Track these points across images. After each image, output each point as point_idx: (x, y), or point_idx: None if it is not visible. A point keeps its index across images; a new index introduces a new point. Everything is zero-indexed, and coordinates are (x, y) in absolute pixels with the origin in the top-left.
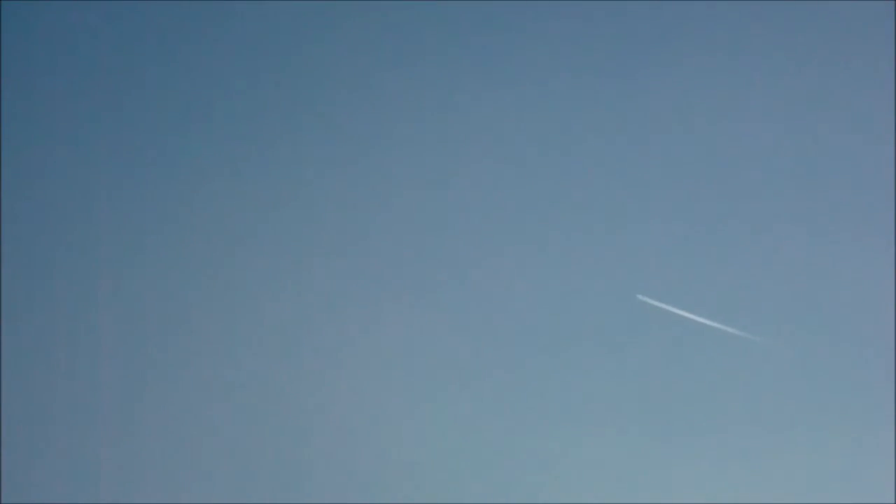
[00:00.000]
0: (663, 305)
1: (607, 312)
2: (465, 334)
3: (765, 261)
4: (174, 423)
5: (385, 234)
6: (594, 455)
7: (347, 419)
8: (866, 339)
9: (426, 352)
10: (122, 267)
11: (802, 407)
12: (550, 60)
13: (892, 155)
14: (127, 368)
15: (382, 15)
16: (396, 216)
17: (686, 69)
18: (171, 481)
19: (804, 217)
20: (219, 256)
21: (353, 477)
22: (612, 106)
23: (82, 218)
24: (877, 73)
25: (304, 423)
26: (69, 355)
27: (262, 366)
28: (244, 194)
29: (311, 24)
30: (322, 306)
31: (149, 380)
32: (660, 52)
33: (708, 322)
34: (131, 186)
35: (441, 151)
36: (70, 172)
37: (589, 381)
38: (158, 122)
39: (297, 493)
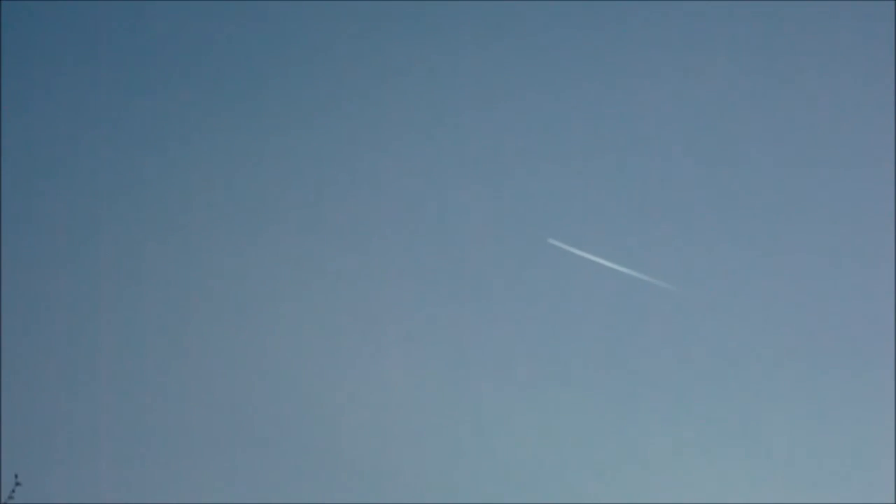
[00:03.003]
0: (573, 249)
1: (519, 256)
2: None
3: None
4: (175, 423)
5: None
6: (500, 395)
7: (346, 417)
8: (776, 292)
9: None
10: (124, 267)
11: (708, 351)
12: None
13: (892, 154)
14: (128, 369)
15: (385, 16)
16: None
17: (684, 68)
18: (172, 481)
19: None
20: (222, 256)
21: (352, 476)
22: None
23: (83, 217)
24: (877, 73)
25: (305, 423)
26: (69, 356)
27: (265, 366)
28: (246, 194)
29: (311, 23)
30: (323, 305)
31: (150, 380)
32: (659, 50)
33: (618, 267)
34: (133, 185)
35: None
36: (70, 172)
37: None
38: (159, 121)
39: (300, 494)
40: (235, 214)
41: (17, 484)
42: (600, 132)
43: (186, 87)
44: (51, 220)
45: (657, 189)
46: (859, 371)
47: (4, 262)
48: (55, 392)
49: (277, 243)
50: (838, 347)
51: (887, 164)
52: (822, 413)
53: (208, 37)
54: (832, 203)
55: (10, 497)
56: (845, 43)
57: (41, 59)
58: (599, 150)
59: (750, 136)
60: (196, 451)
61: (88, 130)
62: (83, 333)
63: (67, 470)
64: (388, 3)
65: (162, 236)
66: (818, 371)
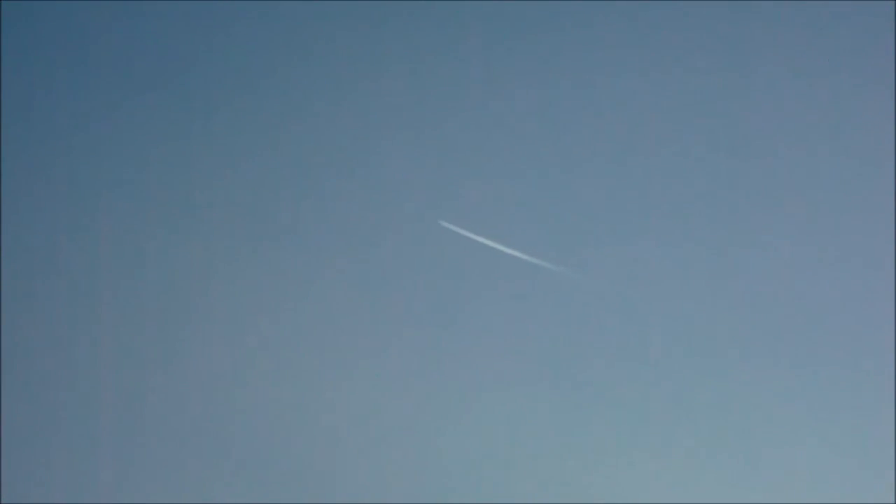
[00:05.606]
0: (466, 232)
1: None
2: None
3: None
4: (175, 423)
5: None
6: (391, 382)
7: (344, 420)
8: (671, 273)
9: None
10: (123, 269)
11: (607, 337)
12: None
13: (892, 156)
14: (127, 369)
15: (386, 15)
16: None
17: (683, 68)
18: (171, 481)
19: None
20: (220, 258)
21: (350, 478)
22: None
23: (83, 218)
24: (877, 73)
25: (304, 425)
26: (69, 355)
27: (264, 367)
28: (245, 195)
29: (311, 23)
30: (323, 308)
31: (149, 381)
32: (659, 51)
33: (513, 252)
34: (132, 187)
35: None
36: (70, 172)
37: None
38: (159, 121)
39: (297, 494)
40: (236, 214)
41: None
42: (585, 124)
43: (187, 86)
44: (49, 219)
45: (659, 195)
46: (848, 366)
47: (4, 261)
48: (54, 392)
49: (269, 245)
50: (825, 342)
51: (887, 165)
52: (813, 410)
53: (208, 36)
54: (830, 204)
55: None
56: (845, 43)
57: (41, 59)
58: (596, 145)
59: (745, 133)
60: (193, 452)
61: (89, 130)
62: (81, 333)
63: (67, 470)
64: (382, 3)
65: (161, 236)
66: (802, 367)
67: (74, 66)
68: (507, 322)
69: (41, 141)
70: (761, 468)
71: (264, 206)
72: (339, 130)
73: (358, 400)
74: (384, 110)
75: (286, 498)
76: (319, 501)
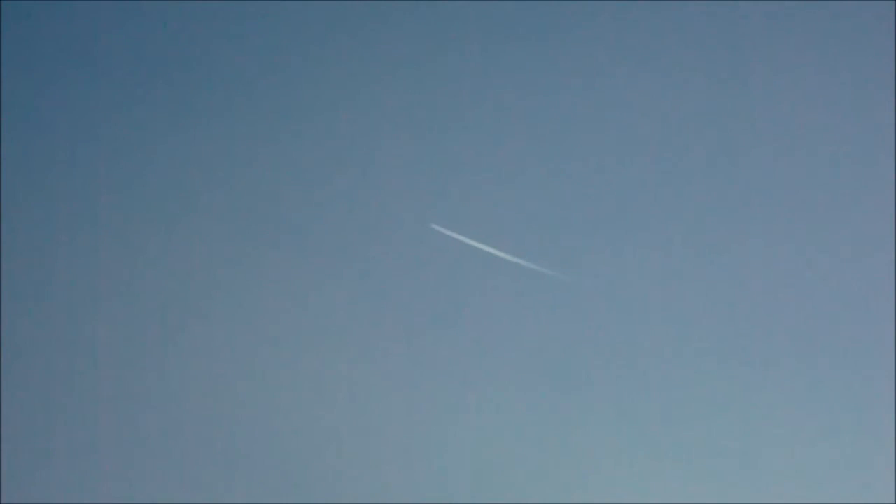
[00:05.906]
0: (457, 235)
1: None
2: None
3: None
4: (174, 423)
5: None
6: (378, 381)
7: (341, 420)
8: (653, 275)
9: None
10: (121, 270)
11: (591, 340)
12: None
13: (892, 156)
14: (127, 369)
15: (386, 15)
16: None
17: (682, 68)
18: (171, 481)
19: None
20: (211, 260)
21: (348, 478)
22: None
23: (82, 218)
24: (877, 73)
25: (301, 426)
26: (69, 355)
27: (261, 368)
28: (244, 196)
29: (311, 24)
30: (313, 310)
31: (149, 380)
32: (659, 51)
33: (501, 254)
34: (131, 187)
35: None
36: (70, 172)
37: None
38: (159, 122)
39: (295, 494)
40: (235, 215)
41: None
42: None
43: (186, 87)
44: (49, 219)
45: (654, 191)
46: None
47: (4, 261)
48: (54, 392)
49: (276, 246)
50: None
51: (887, 164)
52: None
53: (208, 37)
54: (830, 204)
55: None
56: (845, 43)
57: (41, 60)
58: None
59: (743, 133)
60: (193, 452)
61: (89, 130)
62: (81, 332)
63: (67, 470)
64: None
65: (160, 236)
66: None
67: (75, 66)
68: (497, 325)
69: (41, 141)
70: (761, 468)
71: (255, 208)
72: (330, 133)
73: (346, 401)
74: (376, 113)
75: (286, 498)
76: (318, 502)
